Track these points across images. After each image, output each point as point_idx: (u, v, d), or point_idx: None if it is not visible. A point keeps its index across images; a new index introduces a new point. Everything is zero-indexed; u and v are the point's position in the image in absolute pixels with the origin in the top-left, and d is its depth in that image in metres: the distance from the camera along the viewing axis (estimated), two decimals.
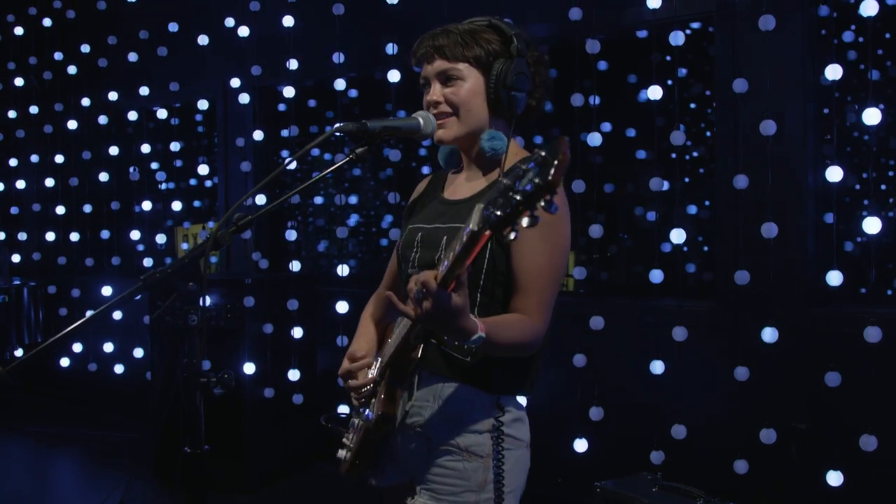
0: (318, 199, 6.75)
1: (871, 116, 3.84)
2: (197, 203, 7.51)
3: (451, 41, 2.25)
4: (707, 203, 5.14)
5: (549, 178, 1.53)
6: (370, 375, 2.39)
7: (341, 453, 2.46)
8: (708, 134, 5.10)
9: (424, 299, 1.83)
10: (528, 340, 2.14)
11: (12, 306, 6.89)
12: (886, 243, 4.49)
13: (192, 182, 7.46)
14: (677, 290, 4.49)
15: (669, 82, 4.68)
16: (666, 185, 4.45)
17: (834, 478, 3.97)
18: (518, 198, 1.56)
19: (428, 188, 2.54)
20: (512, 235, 1.59)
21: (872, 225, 3.83)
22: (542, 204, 1.55)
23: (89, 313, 1.93)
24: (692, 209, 5.10)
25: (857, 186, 4.60)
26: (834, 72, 3.94)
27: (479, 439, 2.19)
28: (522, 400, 2.31)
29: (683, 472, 4.10)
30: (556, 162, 1.53)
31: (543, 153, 1.56)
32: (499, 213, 1.58)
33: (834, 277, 3.97)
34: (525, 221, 1.56)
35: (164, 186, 7.04)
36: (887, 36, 4.47)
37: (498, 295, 2.20)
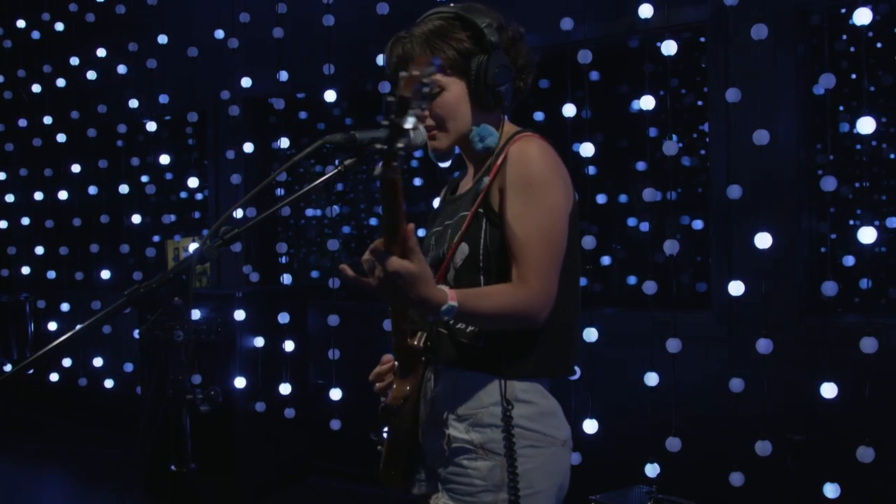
0: (310, 212, 6.72)
1: (866, 125, 3.82)
2: (187, 216, 7.47)
3: (420, 48, 2.19)
4: (700, 213, 5.12)
5: (397, 91, 1.63)
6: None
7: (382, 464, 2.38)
8: (702, 151, 5.08)
9: (376, 265, 1.79)
10: (523, 308, 2.00)
11: (0, 321, 6.85)
12: (881, 253, 4.47)
13: (183, 195, 7.42)
14: (671, 302, 4.46)
15: (661, 92, 4.66)
16: (659, 196, 4.43)
17: (831, 490, 3.94)
18: (385, 123, 1.67)
19: (444, 195, 2.53)
20: (396, 163, 1.68)
21: (867, 235, 3.81)
22: (398, 118, 1.63)
23: (78, 327, 1.89)
24: (685, 219, 5.08)
25: (850, 196, 4.58)
26: (827, 81, 3.93)
27: (495, 435, 2.08)
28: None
29: (679, 484, 4.06)
30: (405, 76, 1.63)
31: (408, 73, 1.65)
32: (384, 145, 1.68)
33: (829, 288, 3.95)
34: (401, 143, 1.64)
35: (154, 200, 6.99)
36: (879, 45, 4.46)
37: (501, 273, 2.10)
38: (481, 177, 2.20)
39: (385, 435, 2.34)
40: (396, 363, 2.19)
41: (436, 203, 2.62)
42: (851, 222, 4.59)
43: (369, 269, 1.82)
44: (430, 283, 1.85)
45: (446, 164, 2.41)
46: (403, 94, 1.63)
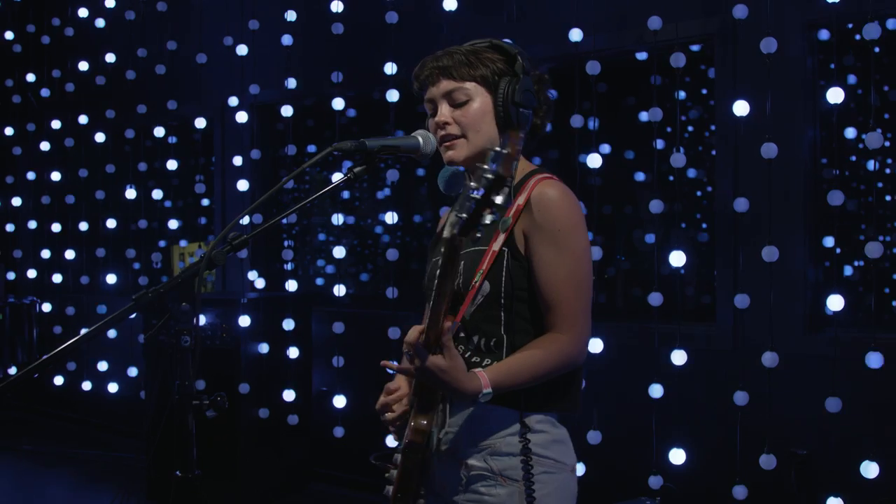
0: (316, 219, 6.73)
1: (873, 140, 3.81)
2: (194, 222, 7.48)
3: (456, 61, 2.22)
4: (705, 226, 5.12)
5: (498, 169, 1.65)
6: (405, 408, 2.36)
7: (387, 489, 2.39)
8: (708, 164, 5.09)
9: (413, 358, 1.98)
10: (560, 360, 2.12)
11: (6, 324, 6.85)
12: (886, 267, 4.47)
13: (190, 201, 7.43)
14: (676, 314, 4.46)
15: (668, 105, 4.66)
16: (665, 208, 4.43)
17: None
18: (476, 196, 1.67)
19: (447, 221, 2.51)
20: (479, 234, 1.72)
21: (874, 249, 3.80)
22: (499, 199, 1.67)
23: (84, 331, 1.89)
24: (691, 232, 5.08)
25: (851, 209, 4.58)
26: (835, 95, 3.93)
27: (513, 462, 2.14)
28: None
29: (682, 497, 4.06)
30: (505, 152, 1.66)
31: (497, 149, 1.68)
32: (464, 215, 1.69)
33: (834, 302, 3.95)
34: (488, 219, 1.68)
35: (160, 205, 7.00)
36: (885, 61, 4.46)
37: (520, 311, 2.17)
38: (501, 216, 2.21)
39: (395, 460, 2.34)
40: (415, 398, 2.19)
41: (440, 224, 2.60)
42: (861, 238, 4.59)
43: (408, 357, 2.01)
44: (462, 374, 2.01)
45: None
46: (503, 174, 1.67)
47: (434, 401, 2.17)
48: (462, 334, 2.21)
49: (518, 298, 2.16)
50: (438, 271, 1.88)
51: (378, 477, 2.35)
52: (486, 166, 1.67)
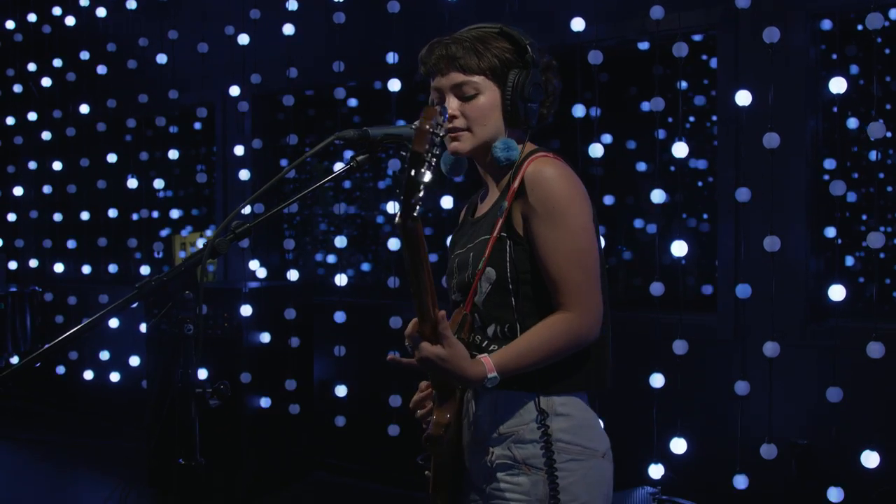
0: (318, 209, 6.73)
1: (876, 130, 3.81)
2: (195, 211, 7.48)
3: (466, 52, 2.19)
4: (706, 216, 5.12)
5: (413, 147, 1.69)
6: None
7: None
8: (710, 153, 5.08)
9: (413, 349, 2.00)
10: (569, 337, 2.08)
11: (8, 313, 6.85)
12: (887, 258, 4.47)
13: (191, 190, 7.43)
14: (678, 304, 4.46)
15: (670, 95, 4.66)
16: (667, 198, 4.43)
17: (835, 494, 3.93)
18: (403, 178, 1.72)
19: (465, 216, 2.50)
20: (417, 210, 1.74)
21: (876, 239, 3.80)
22: (415, 173, 1.70)
23: (85, 321, 1.89)
24: (692, 222, 5.08)
25: (854, 199, 4.57)
26: (838, 85, 3.92)
27: (536, 450, 2.11)
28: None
29: (683, 486, 4.06)
30: (414, 127, 1.71)
31: (413, 125, 1.75)
32: (402, 196, 1.73)
33: (836, 292, 3.95)
34: (421, 193, 1.71)
35: (162, 194, 7.00)
36: (888, 52, 4.45)
37: (528, 293, 2.14)
38: (500, 200, 2.20)
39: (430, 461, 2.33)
40: (435, 391, 2.19)
41: (459, 220, 2.60)
42: (862, 228, 4.59)
43: (410, 350, 2.02)
44: (465, 361, 2.01)
45: (459, 179, 2.41)
46: (416, 149, 1.69)
47: (451, 392, 2.16)
48: (479, 324, 2.20)
49: (523, 282, 2.14)
50: (407, 263, 1.89)
51: (381, 467, 2.36)
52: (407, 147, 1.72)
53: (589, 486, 2.14)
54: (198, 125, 6.47)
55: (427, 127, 1.70)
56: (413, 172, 1.70)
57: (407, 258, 1.87)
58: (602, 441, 2.21)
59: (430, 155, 1.70)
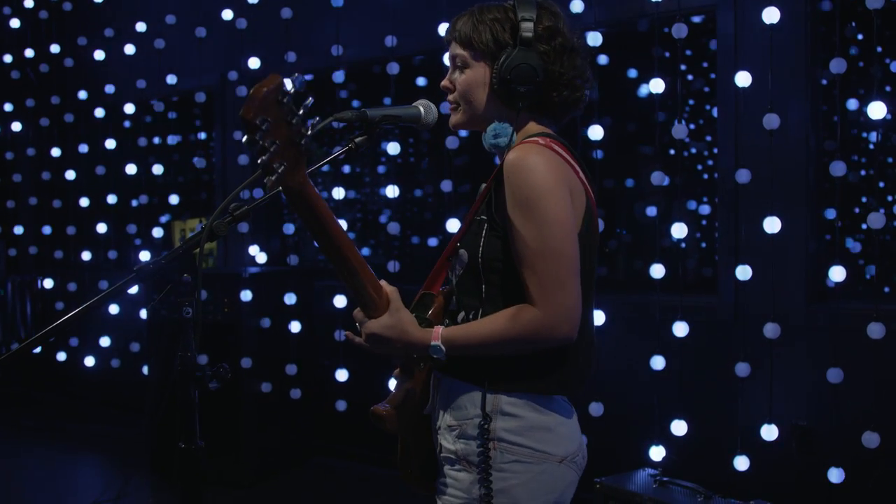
0: (324, 192, 6.71)
1: (876, 111, 3.80)
2: (194, 197, 7.47)
3: (464, 24, 2.14)
4: (706, 199, 5.11)
5: (241, 112, 1.65)
6: None
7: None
8: (708, 137, 5.07)
9: (361, 328, 1.98)
10: (530, 330, 1.95)
11: (8, 299, 6.86)
12: (887, 239, 4.46)
13: (190, 175, 7.42)
14: (678, 286, 4.46)
15: (669, 78, 4.64)
16: (667, 180, 4.42)
17: (835, 475, 3.94)
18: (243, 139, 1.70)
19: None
20: (274, 178, 1.69)
21: (876, 220, 3.79)
22: (247, 138, 1.67)
23: (86, 305, 1.88)
24: (692, 204, 5.07)
25: (853, 181, 4.57)
26: (838, 66, 3.91)
27: (474, 447, 2.04)
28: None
29: (684, 468, 4.07)
30: (250, 94, 1.66)
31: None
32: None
33: (836, 273, 3.94)
34: (262, 158, 1.67)
35: (161, 180, 6.99)
36: (887, 33, 4.43)
37: (495, 281, 2.06)
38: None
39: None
40: (399, 370, 2.19)
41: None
42: (857, 210, 4.59)
43: (360, 331, 2.02)
44: (411, 327, 1.99)
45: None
46: (242, 115, 1.66)
47: (410, 370, 2.17)
48: (454, 307, 2.17)
49: (494, 270, 2.06)
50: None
51: (381, 451, 2.37)
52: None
53: (532, 490, 2.02)
54: (197, 110, 6.46)
55: (261, 90, 1.67)
56: (249, 141, 1.68)
57: (310, 228, 1.87)
58: (562, 446, 2.06)
59: (262, 120, 1.66)
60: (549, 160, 2.00)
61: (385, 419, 2.12)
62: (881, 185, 4.52)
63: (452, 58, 2.19)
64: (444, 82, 2.21)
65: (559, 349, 2.03)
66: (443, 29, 3.79)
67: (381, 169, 6.54)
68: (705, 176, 5.08)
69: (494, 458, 2.01)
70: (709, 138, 5.07)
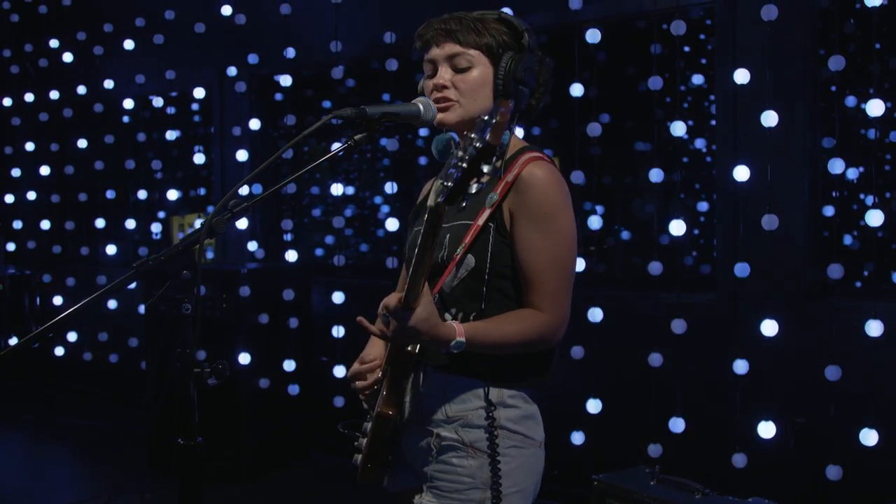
0: (315, 189, 6.71)
1: (875, 108, 3.80)
2: (193, 192, 7.46)
3: (464, 27, 2.21)
4: (704, 195, 5.11)
5: (487, 138, 1.64)
6: (377, 377, 2.37)
7: (356, 458, 2.40)
8: (707, 133, 5.07)
9: (390, 320, 1.97)
10: (537, 335, 2.13)
11: (7, 295, 6.86)
12: (885, 236, 4.46)
13: (189, 171, 7.41)
14: (676, 283, 4.46)
15: (667, 75, 4.64)
16: (664, 177, 4.42)
17: (833, 472, 3.95)
18: (463, 165, 1.66)
19: (432, 189, 2.49)
20: (464, 204, 1.75)
21: (875, 217, 3.80)
22: (487, 168, 1.66)
23: (85, 301, 1.88)
24: (690, 201, 5.07)
25: (854, 178, 4.57)
26: (836, 63, 3.91)
27: (481, 434, 2.15)
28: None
29: (681, 465, 4.08)
30: (493, 122, 1.64)
31: (486, 117, 1.67)
32: (449, 184, 1.69)
33: (834, 270, 3.95)
34: (474, 188, 1.73)
35: (159, 175, 6.99)
36: (886, 30, 4.43)
37: (504, 288, 2.17)
38: (489, 188, 2.18)
39: (364, 430, 2.40)
40: (389, 367, 2.19)
41: (423, 192, 2.61)
42: (855, 207, 4.59)
43: (384, 321, 2.01)
44: (439, 321, 2.00)
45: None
46: (492, 143, 1.65)
47: (407, 371, 2.18)
48: (440, 307, 2.19)
49: (502, 275, 2.17)
50: (419, 240, 1.86)
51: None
52: (474, 135, 1.67)
53: (527, 473, 2.21)
54: (195, 106, 6.45)
55: (506, 119, 1.66)
56: (479, 164, 1.67)
57: (426, 236, 1.84)
58: (539, 432, 2.26)
59: (500, 149, 1.68)
60: (559, 176, 2.17)
61: (390, 420, 2.18)
62: (880, 182, 4.52)
63: (449, 57, 2.22)
64: (441, 80, 2.22)
65: (549, 351, 2.25)
66: None
67: (379, 165, 6.55)
68: (704, 172, 5.08)
69: (500, 444, 2.16)
70: (708, 134, 5.06)
